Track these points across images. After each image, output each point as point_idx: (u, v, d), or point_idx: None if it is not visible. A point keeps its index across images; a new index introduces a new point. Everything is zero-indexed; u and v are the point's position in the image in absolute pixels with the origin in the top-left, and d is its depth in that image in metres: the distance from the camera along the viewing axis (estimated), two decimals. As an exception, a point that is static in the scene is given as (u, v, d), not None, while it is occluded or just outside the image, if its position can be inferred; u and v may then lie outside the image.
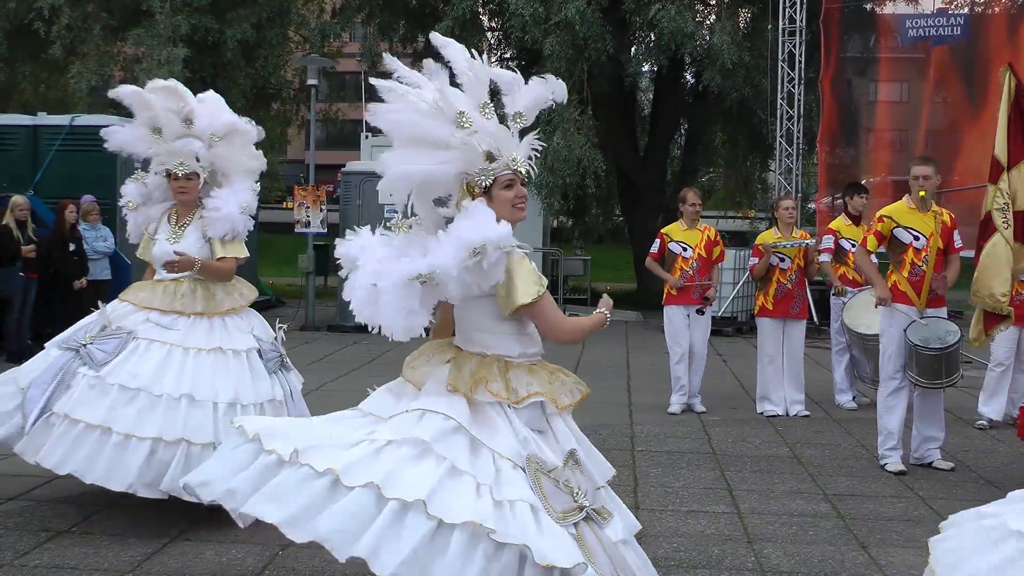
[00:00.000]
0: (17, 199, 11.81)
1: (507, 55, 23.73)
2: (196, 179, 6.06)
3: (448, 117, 3.84)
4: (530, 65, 20.20)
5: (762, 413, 9.48)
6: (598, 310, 4.13)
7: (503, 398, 3.78)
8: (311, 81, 16.57)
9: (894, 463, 7.40)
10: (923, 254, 7.29)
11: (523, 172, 3.96)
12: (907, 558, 5.43)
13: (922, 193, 7.26)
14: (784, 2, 17.22)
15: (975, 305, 8.44)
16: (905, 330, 7.22)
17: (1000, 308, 8.01)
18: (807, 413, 9.45)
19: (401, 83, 4.01)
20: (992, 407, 9.20)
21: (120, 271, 13.11)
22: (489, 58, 24.09)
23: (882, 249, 7.63)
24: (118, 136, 6.25)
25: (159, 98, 6.07)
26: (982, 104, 16.13)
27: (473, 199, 3.89)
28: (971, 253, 8.55)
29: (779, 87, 17.33)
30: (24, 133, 13.89)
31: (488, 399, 3.77)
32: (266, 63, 21.64)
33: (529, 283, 3.82)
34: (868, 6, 18.51)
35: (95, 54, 20.50)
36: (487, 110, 3.91)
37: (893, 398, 7.45)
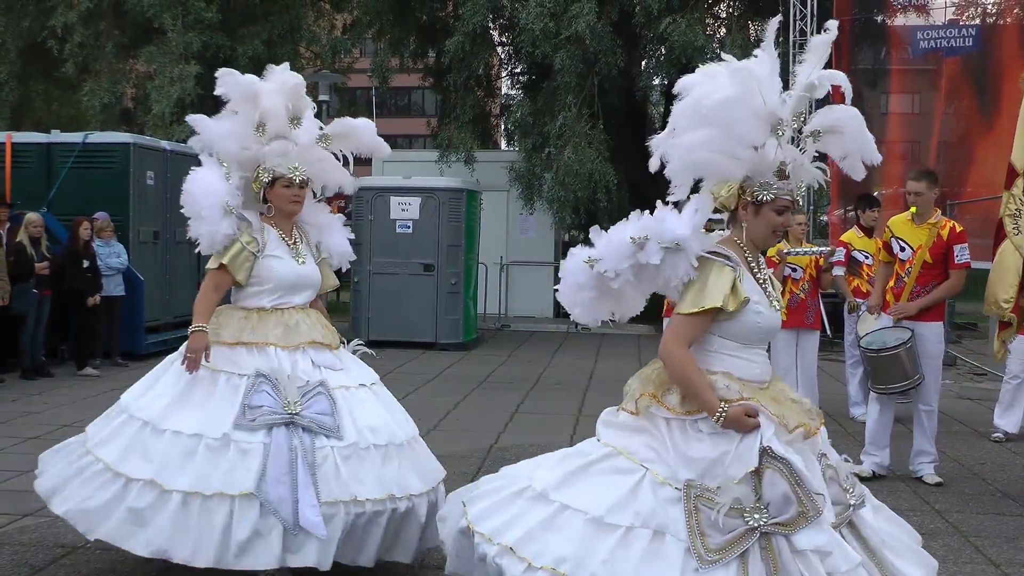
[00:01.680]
0: (31, 216, 11.88)
1: (517, 70, 23.80)
2: (307, 187, 5.13)
3: (767, 118, 3.67)
4: (541, 80, 20.29)
5: (780, 426, 9.42)
6: (742, 412, 3.58)
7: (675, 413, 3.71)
8: (322, 97, 16.67)
9: (862, 469, 7.40)
10: (907, 265, 7.26)
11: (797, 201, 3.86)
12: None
13: (913, 209, 7.26)
14: (794, 15, 17.23)
15: (988, 315, 8.44)
16: (860, 337, 7.37)
17: (1002, 314, 8.00)
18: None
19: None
20: (1008, 420, 9.14)
21: (134, 288, 13.18)
22: (499, 73, 24.20)
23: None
24: (209, 131, 5.12)
25: (271, 89, 5.07)
26: (994, 115, 16.12)
27: (740, 208, 3.79)
28: (987, 264, 8.54)
29: (790, 99, 17.30)
30: (38, 151, 13.97)
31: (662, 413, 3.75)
32: (277, 79, 21.73)
33: (700, 294, 3.66)
34: (879, 18, 18.51)
35: (107, 72, 20.69)
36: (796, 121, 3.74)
37: (874, 403, 7.60)
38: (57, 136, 14.38)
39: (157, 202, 14.33)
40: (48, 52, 20.66)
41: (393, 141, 46.80)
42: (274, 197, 5.04)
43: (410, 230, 15.55)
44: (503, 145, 28.64)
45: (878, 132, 18.11)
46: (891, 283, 7.38)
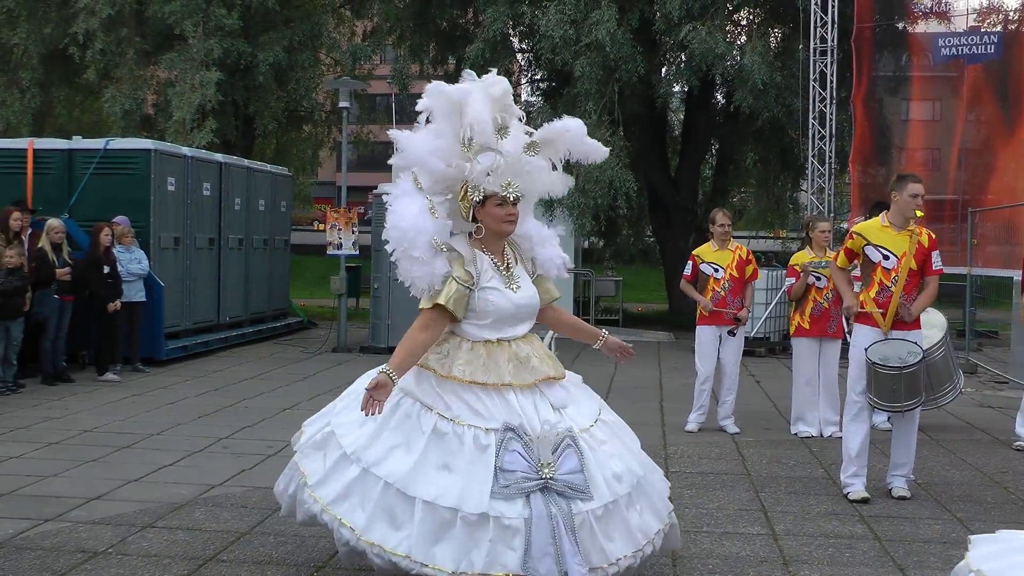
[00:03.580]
0: (53, 222, 11.93)
1: (537, 76, 23.80)
2: (518, 204, 4.66)
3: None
4: (561, 86, 20.28)
5: (796, 434, 9.40)
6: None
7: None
8: (343, 103, 16.66)
9: (856, 491, 7.05)
10: (892, 274, 6.98)
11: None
12: (946, 581, 5.35)
13: (920, 213, 7.13)
14: (815, 22, 17.18)
15: None
16: (867, 349, 6.96)
17: None
18: (841, 434, 9.35)
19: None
20: (1030, 428, 9.08)
21: (154, 293, 13.22)
22: (519, 80, 24.19)
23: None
24: (414, 148, 4.63)
25: (477, 98, 4.60)
26: (1016, 122, 16.04)
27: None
28: (1015, 273, 8.48)
29: (811, 107, 17.27)
30: (59, 157, 14.05)
31: None
32: (298, 86, 21.88)
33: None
34: (900, 25, 18.44)
35: (128, 78, 20.79)
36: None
37: (854, 422, 7.14)
38: (79, 142, 14.47)
39: (178, 208, 14.41)
40: (70, 58, 20.76)
41: (412, 148, 46.30)
42: (485, 217, 4.60)
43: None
44: (523, 152, 28.61)
45: (899, 139, 18.23)
46: (871, 293, 7.12)
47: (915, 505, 6.98)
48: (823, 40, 17.22)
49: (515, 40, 21.47)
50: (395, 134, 4.72)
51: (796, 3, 17.80)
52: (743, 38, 20.81)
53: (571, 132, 4.79)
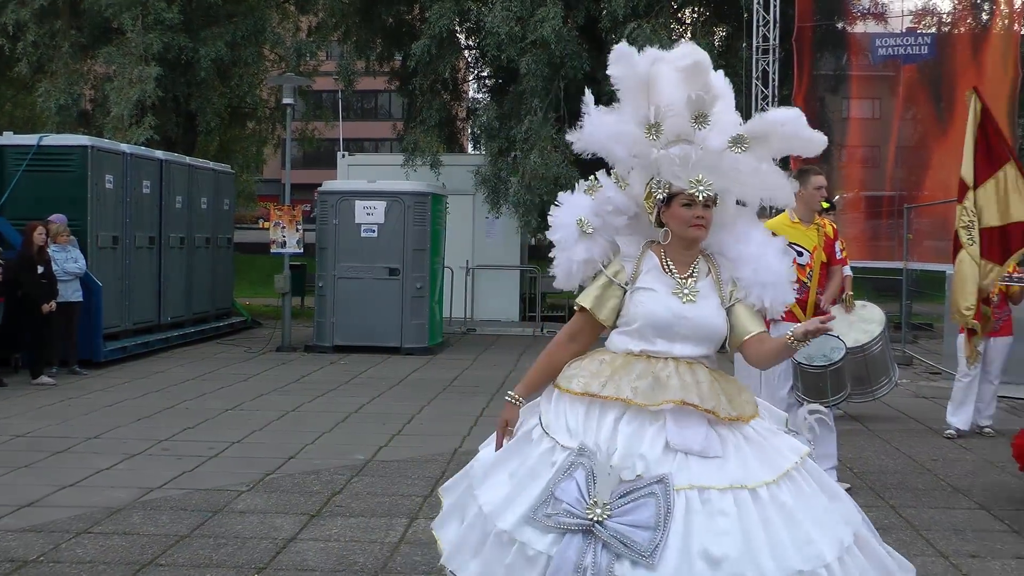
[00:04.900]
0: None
1: (484, 74, 23.81)
2: (713, 206, 3.73)
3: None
4: (507, 83, 20.30)
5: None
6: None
7: None
8: (287, 100, 16.53)
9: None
10: (807, 270, 7.01)
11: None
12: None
13: (825, 205, 7.21)
14: (758, 21, 17.33)
15: (955, 321, 8.54)
16: None
17: (966, 322, 8.10)
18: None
19: None
20: (960, 417, 9.28)
21: (92, 293, 13.02)
22: (465, 77, 24.17)
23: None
24: (596, 128, 3.85)
25: (670, 75, 3.75)
26: (949, 121, 16.32)
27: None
28: (944, 266, 8.63)
29: (753, 104, 17.42)
30: (-11, 154, 13.75)
31: None
32: (241, 82, 21.66)
33: None
34: (839, 25, 18.67)
35: (64, 72, 20.42)
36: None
37: None
38: (10, 138, 14.20)
39: (116, 206, 14.19)
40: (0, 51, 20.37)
41: (359, 145, 46.44)
42: (670, 219, 3.72)
43: (375, 234, 15.47)
44: (469, 149, 28.62)
45: (839, 136, 18.42)
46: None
47: (851, 494, 7.05)
48: (765, 39, 17.37)
49: (461, 37, 21.46)
50: (590, 111, 3.90)
51: (739, 3, 17.96)
52: (687, 36, 20.94)
53: (788, 125, 3.77)
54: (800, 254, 7.00)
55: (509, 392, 3.82)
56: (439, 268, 16.41)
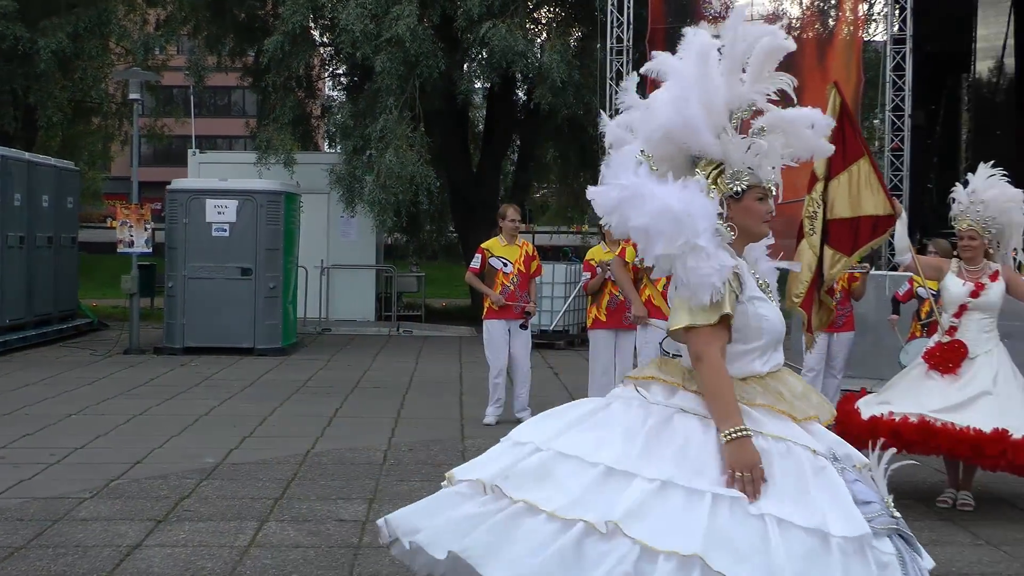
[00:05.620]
0: None
1: (339, 71, 23.54)
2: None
3: None
4: (363, 81, 20.10)
5: (593, 424, 9.57)
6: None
7: None
8: (133, 95, 16.03)
9: None
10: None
11: None
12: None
13: None
14: (612, 22, 17.56)
15: (790, 310, 8.75)
16: (660, 343, 7.07)
17: (792, 309, 8.31)
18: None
19: None
20: (807, 411, 9.49)
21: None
22: (320, 74, 23.87)
23: None
24: (662, 110, 3.36)
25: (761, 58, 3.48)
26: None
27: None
28: (796, 266, 8.84)
29: (608, 105, 17.66)
30: None
31: None
32: (85, 76, 20.91)
33: None
34: (691, 27, 19.05)
35: None
36: None
37: None
38: None
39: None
40: None
41: (212, 142, 45.52)
42: (740, 213, 3.38)
43: (227, 233, 15.13)
44: (324, 147, 28.28)
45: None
46: (660, 287, 7.16)
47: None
48: (619, 40, 17.61)
49: (316, 33, 21.17)
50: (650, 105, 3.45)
51: (594, 4, 18.18)
52: (543, 36, 21.13)
53: (814, 128, 3.58)
54: None
55: (739, 428, 3.14)
56: (293, 268, 16.17)
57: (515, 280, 9.65)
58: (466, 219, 22.07)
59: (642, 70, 3.60)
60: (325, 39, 21.51)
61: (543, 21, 22.13)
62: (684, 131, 3.33)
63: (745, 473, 3.10)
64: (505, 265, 9.65)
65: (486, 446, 8.56)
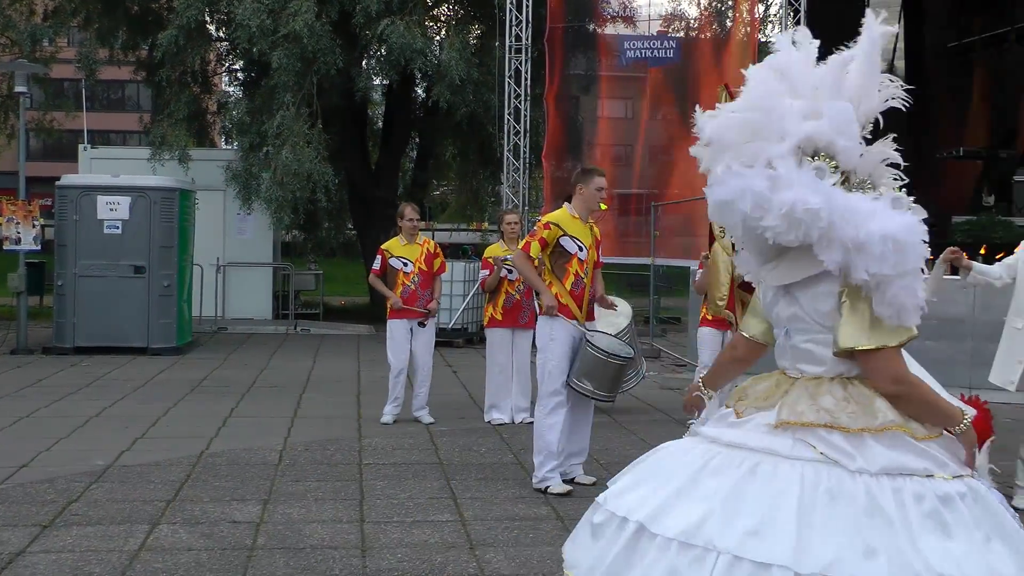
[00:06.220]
0: None
1: (235, 66, 23.21)
2: None
3: None
4: (259, 77, 19.85)
5: (489, 422, 9.64)
6: None
7: None
8: (19, 88, 15.59)
9: (558, 485, 7.02)
10: (585, 266, 7.14)
11: None
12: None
13: (604, 206, 7.39)
14: (511, 20, 17.64)
15: (714, 312, 8.85)
16: (589, 341, 7.02)
17: (720, 312, 8.48)
18: (532, 420, 9.65)
19: None
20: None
21: None
22: (216, 69, 23.50)
23: None
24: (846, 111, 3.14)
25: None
26: (694, 123, 17.13)
27: None
28: (693, 264, 8.99)
29: (507, 103, 17.74)
30: None
31: None
32: (-33, 67, 20.21)
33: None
34: (590, 27, 19.22)
35: None
36: None
37: (554, 416, 7.01)
38: None
39: None
40: None
41: (105, 137, 44.32)
42: None
43: (119, 231, 14.82)
44: (220, 143, 27.84)
45: (589, 135, 18.98)
46: (567, 285, 7.17)
47: (597, 487, 7.26)
48: (518, 39, 17.71)
49: (212, 28, 20.83)
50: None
51: (493, 2, 18.23)
52: (442, 34, 21.11)
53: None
54: (581, 248, 7.15)
55: (967, 418, 3.13)
56: (188, 266, 15.91)
57: (416, 279, 9.64)
58: (365, 216, 21.98)
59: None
60: (221, 34, 21.19)
61: (442, 19, 22.14)
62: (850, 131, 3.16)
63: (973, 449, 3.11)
64: (405, 265, 9.64)
65: (383, 444, 8.59)
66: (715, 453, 3.23)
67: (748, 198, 3.08)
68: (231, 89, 24.91)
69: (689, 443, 3.41)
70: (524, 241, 7.40)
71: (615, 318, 9.16)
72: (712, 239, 8.50)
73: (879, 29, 3.22)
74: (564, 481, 7.14)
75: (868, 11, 3.29)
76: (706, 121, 3.37)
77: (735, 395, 3.43)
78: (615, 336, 8.35)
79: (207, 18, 19.70)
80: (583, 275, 7.15)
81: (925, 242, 3.04)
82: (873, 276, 3.00)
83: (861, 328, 3.08)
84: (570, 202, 7.28)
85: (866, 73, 3.21)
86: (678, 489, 3.17)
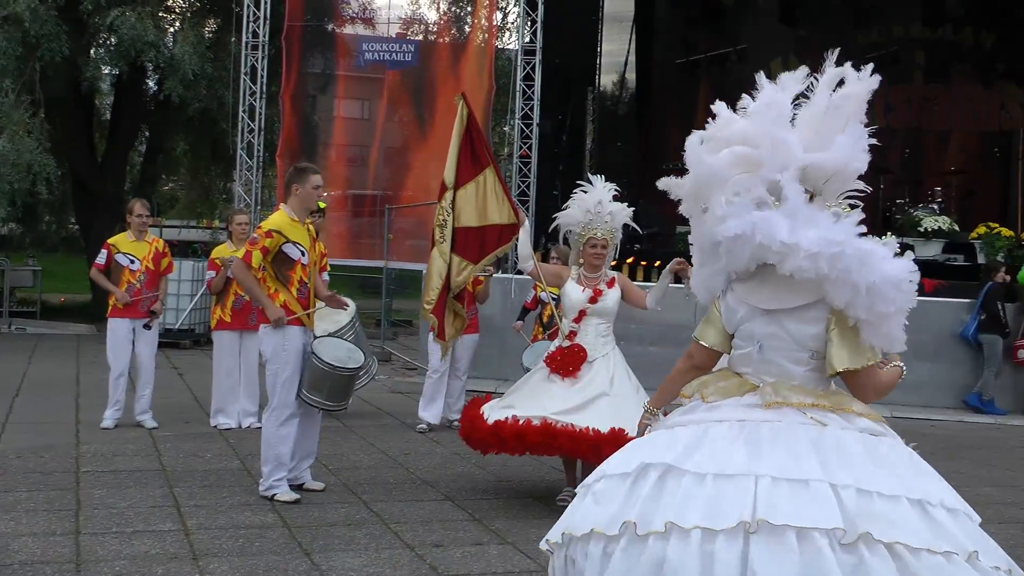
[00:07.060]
0: None
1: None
2: None
3: None
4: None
5: (216, 426, 9.52)
6: None
7: None
8: None
9: (286, 492, 7.02)
10: (308, 270, 7.16)
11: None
12: (347, 560, 5.73)
13: (322, 204, 7.46)
14: (248, 16, 17.36)
15: (423, 317, 9.01)
16: (315, 354, 7.07)
17: (425, 316, 8.67)
18: (260, 425, 9.57)
19: None
20: (430, 412, 9.94)
21: None
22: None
23: None
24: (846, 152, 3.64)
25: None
26: (430, 126, 17.39)
27: None
28: (422, 266, 9.13)
29: (242, 100, 17.44)
30: None
31: None
32: None
33: None
34: (329, 26, 19.16)
35: None
36: None
37: (287, 427, 7.03)
38: None
39: None
40: None
41: None
42: None
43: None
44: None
45: (325, 135, 18.94)
46: (293, 292, 7.01)
47: (326, 493, 7.33)
48: (255, 35, 17.44)
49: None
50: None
51: (230, -4, 17.91)
52: (176, 26, 20.52)
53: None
54: (303, 254, 7.09)
55: None
56: None
57: (142, 278, 9.39)
58: (89, 211, 21.08)
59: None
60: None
61: (177, 11, 21.51)
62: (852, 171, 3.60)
63: None
64: (132, 262, 9.37)
65: (103, 451, 8.35)
66: (708, 426, 3.55)
67: (767, 234, 3.43)
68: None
69: (673, 427, 3.69)
70: (244, 250, 7.12)
71: (337, 315, 9.15)
72: (432, 243, 8.70)
73: (864, 86, 3.58)
74: (293, 487, 7.15)
75: (848, 67, 3.62)
76: (700, 156, 3.63)
77: (693, 386, 3.78)
78: (336, 333, 8.44)
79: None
80: (307, 280, 7.16)
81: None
82: (875, 314, 3.41)
83: (852, 351, 3.49)
84: (287, 203, 7.20)
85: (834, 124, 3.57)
86: (687, 446, 3.46)
